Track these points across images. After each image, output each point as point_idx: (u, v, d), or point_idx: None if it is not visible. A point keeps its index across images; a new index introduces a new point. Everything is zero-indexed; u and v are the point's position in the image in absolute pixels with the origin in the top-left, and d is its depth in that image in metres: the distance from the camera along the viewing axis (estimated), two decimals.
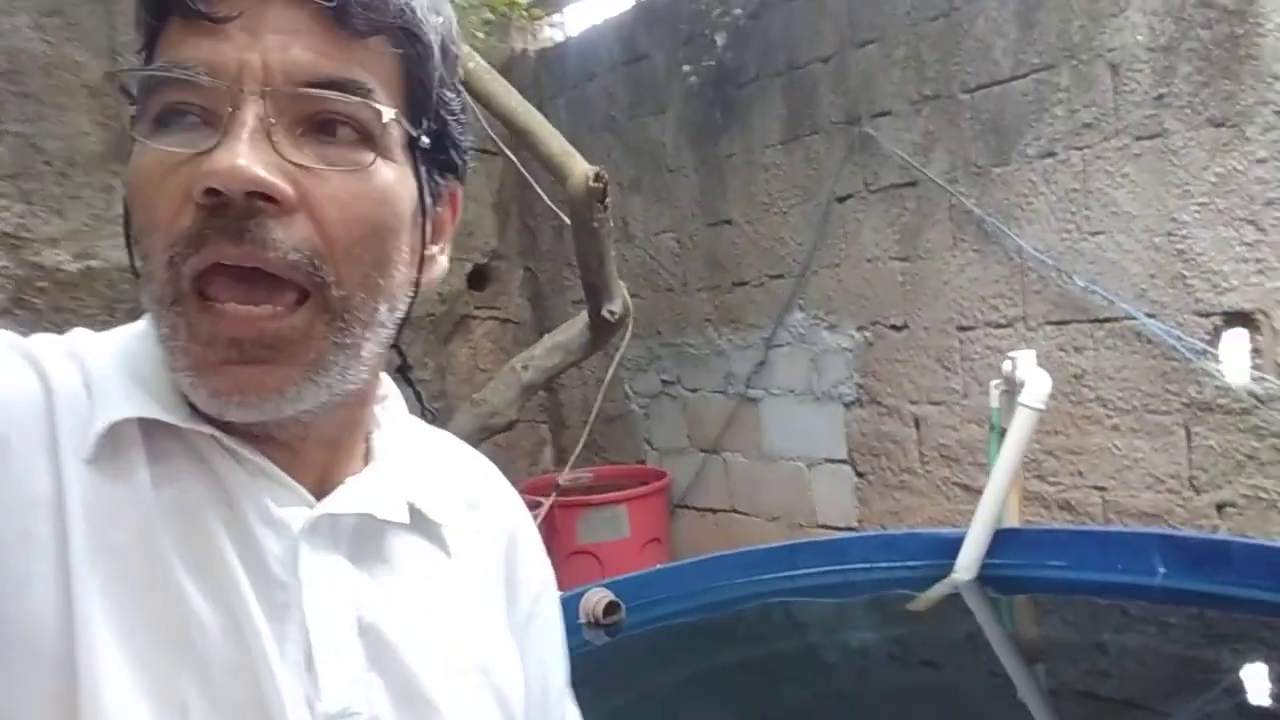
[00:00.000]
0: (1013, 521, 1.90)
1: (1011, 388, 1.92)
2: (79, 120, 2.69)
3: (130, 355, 0.57)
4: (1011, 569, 1.80)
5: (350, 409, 0.59)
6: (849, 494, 2.78)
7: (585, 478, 3.45)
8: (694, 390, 3.24)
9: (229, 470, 0.55)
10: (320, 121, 0.52)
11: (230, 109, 0.51)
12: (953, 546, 1.81)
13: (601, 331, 1.83)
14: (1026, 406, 1.78)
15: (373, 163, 0.53)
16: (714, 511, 3.19)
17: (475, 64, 1.62)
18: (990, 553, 1.80)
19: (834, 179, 2.75)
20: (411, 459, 0.63)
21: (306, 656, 0.54)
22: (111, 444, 0.53)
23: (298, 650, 0.54)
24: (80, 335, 0.58)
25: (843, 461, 2.79)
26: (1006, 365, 1.92)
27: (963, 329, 2.50)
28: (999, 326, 2.43)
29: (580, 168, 1.53)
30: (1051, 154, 2.30)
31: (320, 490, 0.57)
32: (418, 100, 0.56)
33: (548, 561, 0.72)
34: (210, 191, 0.49)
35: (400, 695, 0.57)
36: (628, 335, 1.85)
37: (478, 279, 3.52)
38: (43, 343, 0.57)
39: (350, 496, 0.58)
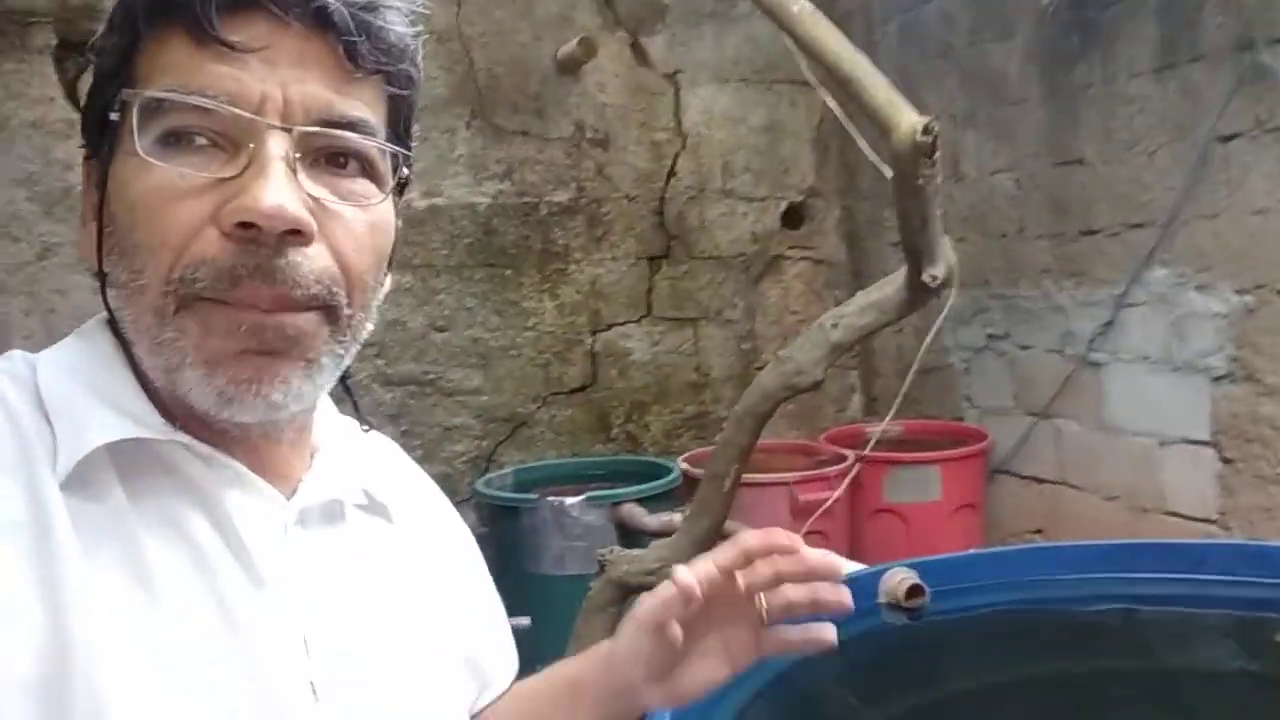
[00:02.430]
0: None
1: None
2: (427, 66, 2.87)
3: (83, 373, 0.57)
4: None
5: (309, 411, 0.64)
6: (1210, 481, 2.41)
7: (895, 431, 3.28)
8: (1025, 348, 2.95)
9: (204, 477, 0.57)
10: (331, 154, 0.56)
11: (253, 142, 0.53)
12: None
13: (920, 293, 1.67)
14: None
15: (381, 200, 0.58)
16: (1040, 481, 2.92)
17: (800, 7, 1.50)
18: None
19: (1217, 115, 2.32)
20: (349, 448, 0.68)
21: (304, 644, 0.57)
22: (82, 465, 0.53)
23: (296, 639, 0.57)
24: (17, 356, 0.58)
25: (1205, 444, 2.42)
26: None
27: None
28: None
29: (908, 119, 1.38)
30: None
31: (282, 485, 0.61)
32: (400, 134, 0.62)
33: (468, 531, 0.80)
34: (246, 225, 0.52)
35: (387, 665, 0.62)
36: (951, 298, 1.67)
37: (792, 218, 3.40)
38: None
39: (316, 487, 0.62)
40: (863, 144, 1.67)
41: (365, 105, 0.57)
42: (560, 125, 3.05)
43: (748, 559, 0.67)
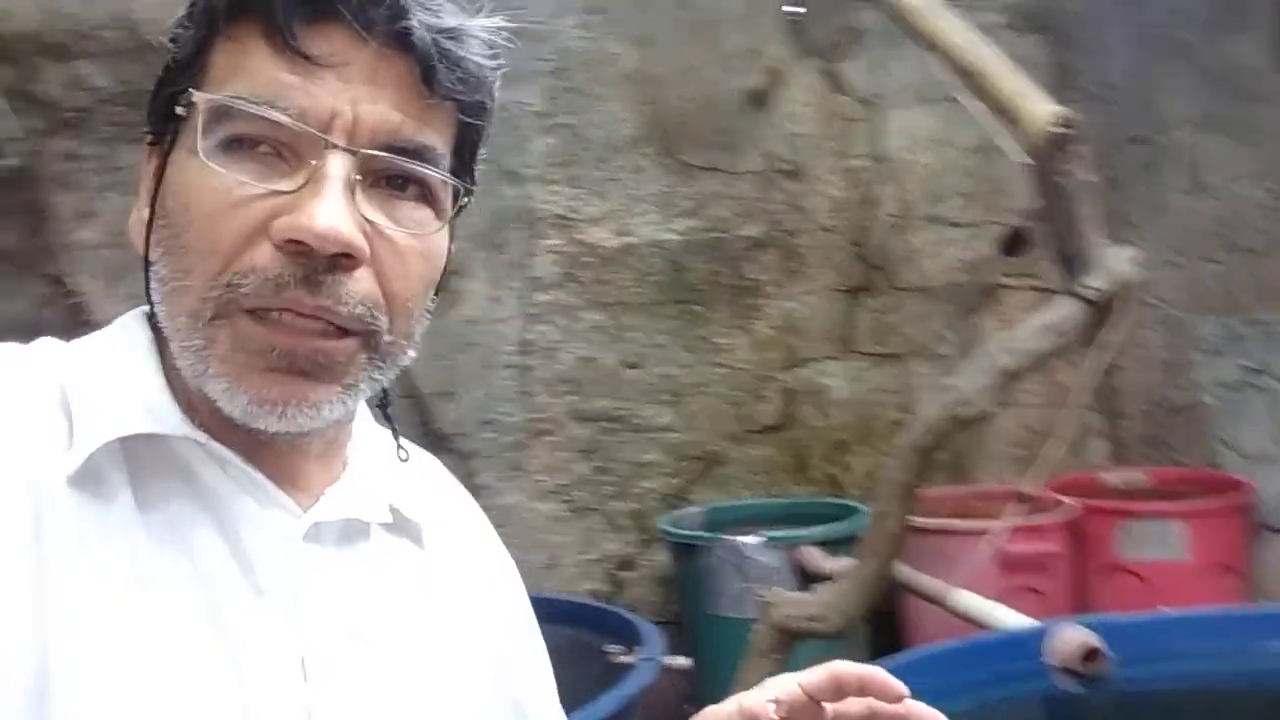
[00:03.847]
0: None
1: None
2: (616, 108, 2.94)
3: (109, 364, 0.56)
4: None
5: (341, 425, 0.61)
6: None
7: (1138, 479, 2.90)
8: None
9: (218, 482, 0.55)
10: (390, 176, 0.55)
11: (315, 159, 0.52)
12: None
13: (1092, 311, 1.47)
14: None
15: (436, 230, 0.57)
16: None
17: None
18: None
19: None
20: (383, 464, 0.64)
21: (301, 665, 0.55)
22: (93, 460, 0.52)
23: (294, 662, 0.54)
24: (48, 345, 0.58)
25: None
26: None
27: None
28: None
29: (1041, 110, 1.22)
30: None
31: (303, 497, 0.58)
32: (466, 163, 0.60)
33: (513, 565, 0.74)
34: (298, 242, 0.51)
35: (397, 695, 0.58)
36: (1128, 318, 1.45)
37: (1012, 243, 3.13)
38: (10, 356, 0.56)
39: (336, 503, 0.59)
40: (1005, 144, 1.50)
41: (435, 131, 0.56)
42: (750, 158, 3.01)
43: (839, 690, 0.58)
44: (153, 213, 0.56)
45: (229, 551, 0.55)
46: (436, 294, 0.61)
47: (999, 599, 2.02)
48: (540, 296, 2.91)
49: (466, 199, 0.60)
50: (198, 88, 0.54)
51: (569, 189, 2.91)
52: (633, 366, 2.94)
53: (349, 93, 0.53)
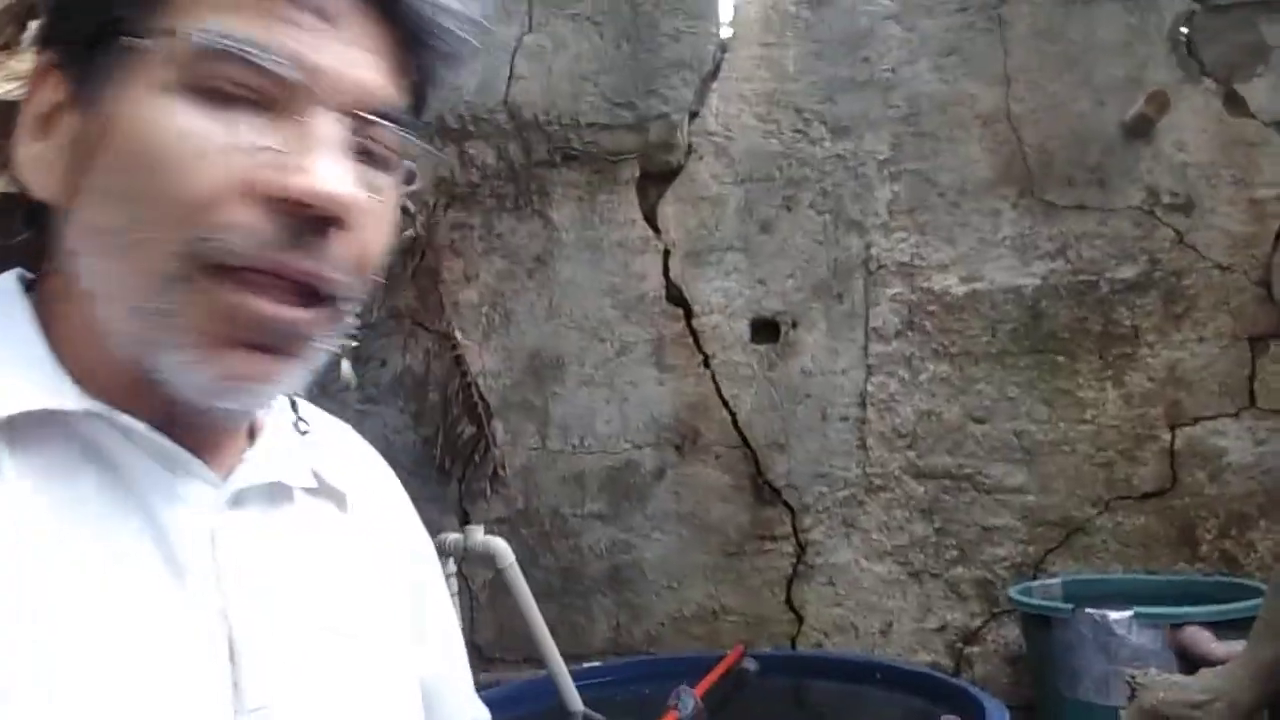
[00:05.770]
0: None
1: None
2: (970, 150, 2.79)
3: None
4: None
5: None
6: None
7: None
8: None
9: (125, 454, 0.50)
10: (359, 142, 0.51)
11: (306, 116, 0.49)
12: None
13: None
14: None
15: (397, 194, 0.54)
16: None
17: None
18: None
19: None
20: (290, 428, 0.61)
21: (229, 649, 0.51)
22: None
23: (221, 643, 0.51)
24: None
25: None
26: None
27: None
28: None
29: None
30: None
31: (217, 465, 0.54)
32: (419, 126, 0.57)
33: (423, 527, 0.71)
34: (295, 202, 0.47)
35: (330, 672, 0.55)
36: None
37: None
38: None
39: (257, 468, 0.56)
40: None
41: (403, 95, 0.54)
42: (1127, 194, 2.70)
43: None
44: (83, 153, 0.49)
45: (144, 530, 0.50)
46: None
47: None
48: (880, 347, 2.79)
49: (411, 163, 0.56)
50: (152, 11, 0.48)
51: (915, 235, 2.79)
52: (980, 421, 2.70)
53: (348, 53, 0.49)
